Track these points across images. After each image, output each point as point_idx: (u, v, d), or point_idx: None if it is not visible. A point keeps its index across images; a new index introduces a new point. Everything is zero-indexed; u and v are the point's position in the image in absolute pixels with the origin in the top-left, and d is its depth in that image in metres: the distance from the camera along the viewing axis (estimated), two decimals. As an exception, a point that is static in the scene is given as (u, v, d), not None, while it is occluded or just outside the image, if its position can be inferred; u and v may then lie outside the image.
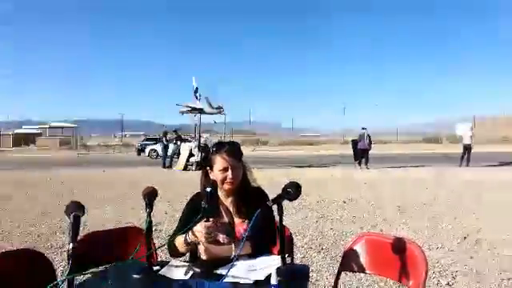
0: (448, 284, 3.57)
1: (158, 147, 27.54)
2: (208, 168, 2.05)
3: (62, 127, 58.23)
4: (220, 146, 2.05)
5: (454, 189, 9.56)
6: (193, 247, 1.92)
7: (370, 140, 16.37)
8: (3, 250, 2.00)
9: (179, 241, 1.89)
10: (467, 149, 16.50)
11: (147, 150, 29.44)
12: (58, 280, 1.45)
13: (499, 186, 9.92)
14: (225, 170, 1.97)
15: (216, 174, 2.00)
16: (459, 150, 17.67)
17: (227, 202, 2.05)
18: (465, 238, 5.11)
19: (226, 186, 2.00)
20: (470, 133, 16.86)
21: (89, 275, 1.76)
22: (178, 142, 18.68)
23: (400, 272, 1.92)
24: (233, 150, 2.02)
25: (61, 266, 3.91)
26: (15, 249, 2.05)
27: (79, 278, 1.86)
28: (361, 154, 16.32)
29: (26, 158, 30.29)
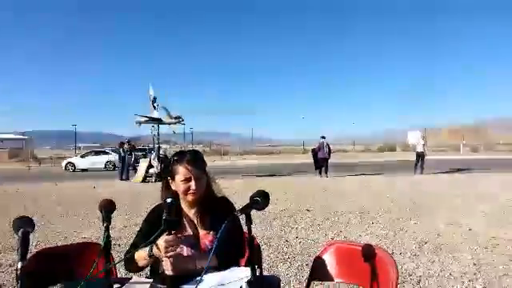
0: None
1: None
2: (169, 178, 1.94)
3: (11, 139, 55.18)
4: (181, 155, 1.94)
5: (411, 195, 9.89)
6: (154, 261, 1.79)
7: (329, 149, 16.73)
8: None
9: (140, 254, 1.76)
10: (420, 156, 17.20)
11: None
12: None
13: (454, 191, 10.38)
14: (187, 180, 1.87)
15: (178, 185, 1.89)
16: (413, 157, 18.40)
17: (191, 213, 1.95)
18: (426, 242, 5.24)
19: (190, 197, 1.89)
20: (422, 141, 17.63)
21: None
22: (134, 153, 18.33)
23: (371, 279, 1.90)
24: (195, 159, 1.91)
25: (11, 286, 3.63)
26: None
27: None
28: (321, 162, 16.61)
29: (-31, 171, 28.33)
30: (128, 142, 19.39)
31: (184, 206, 1.95)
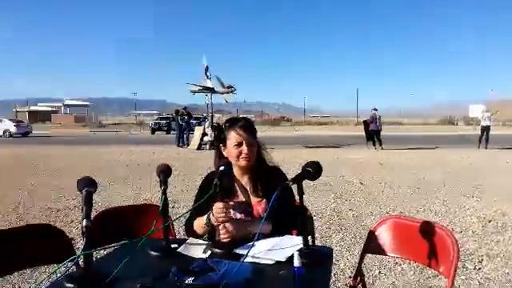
0: (475, 268, 3.46)
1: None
2: (221, 146, 1.95)
3: (77, 105, 58.85)
4: (233, 121, 1.96)
5: (473, 170, 9.34)
6: (211, 229, 1.84)
7: (379, 121, 16.21)
8: (24, 224, 1.98)
9: (198, 222, 1.84)
10: (485, 130, 16.17)
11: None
12: (74, 256, 1.39)
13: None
14: (239, 144, 1.87)
15: (230, 150, 1.90)
16: (476, 131, 17.34)
17: (243, 180, 1.96)
18: (489, 221, 4.96)
19: (242, 162, 1.89)
20: (486, 114, 16.56)
21: (106, 251, 1.72)
22: (191, 121, 18.72)
23: (429, 256, 1.82)
24: (247, 126, 1.92)
25: (81, 240, 3.92)
26: (35, 223, 2.04)
27: (97, 254, 1.82)
28: (373, 134, 16.14)
29: (42, 134, 30.80)
30: (184, 108, 19.83)
31: (237, 173, 1.96)
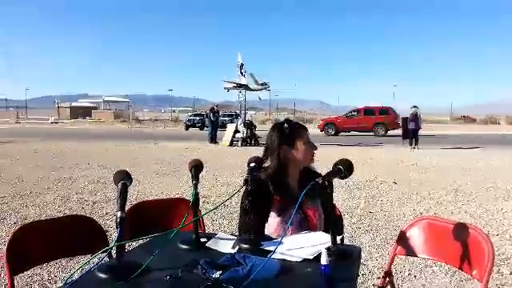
0: (511, 274, 3.32)
1: None
2: (284, 145, 1.93)
3: (116, 101, 60.68)
4: (295, 122, 2.03)
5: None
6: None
7: (420, 119, 15.73)
8: (61, 215, 2.08)
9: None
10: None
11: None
12: (108, 247, 1.46)
13: None
14: (310, 144, 1.95)
15: (302, 149, 1.94)
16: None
17: (295, 182, 1.98)
18: (529, 225, 4.74)
19: (312, 161, 1.98)
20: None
21: (137, 243, 1.78)
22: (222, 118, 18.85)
23: (462, 259, 1.77)
24: (306, 128, 2.03)
25: (115, 232, 4.08)
26: (72, 214, 2.15)
27: (129, 246, 1.89)
28: (412, 133, 15.68)
29: (84, 129, 32.04)
30: (217, 106, 20.11)
31: (291, 174, 1.98)
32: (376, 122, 24.78)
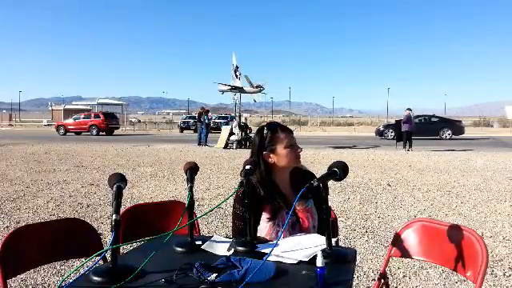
0: (504, 275, 3.34)
1: None
2: (266, 153, 1.89)
3: (111, 104, 60.36)
4: (277, 125, 1.98)
5: (508, 174, 8.98)
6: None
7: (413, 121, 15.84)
8: (54, 218, 2.06)
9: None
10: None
11: None
12: (102, 250, 1.45)
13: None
14: (293, 145, 1.91)
15: (283, 153, 1.88)
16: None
17: (285, 186, 1.95)
18: (522, 227, 4.77)
19: (299, 162, 1.94)
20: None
21: (132, 246, 1.77)
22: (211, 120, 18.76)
23: (456, 260, 1.78)
24: (287, 128, 1.98)
25: (109, 235, 4.06)
26: (65, 217, 2.13)
27: (124, 249, 1.87)
28: (406, 135, 15.73)
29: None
30: (204, 108, 19.96)
31: (279, 177, 1.94)
32: None
